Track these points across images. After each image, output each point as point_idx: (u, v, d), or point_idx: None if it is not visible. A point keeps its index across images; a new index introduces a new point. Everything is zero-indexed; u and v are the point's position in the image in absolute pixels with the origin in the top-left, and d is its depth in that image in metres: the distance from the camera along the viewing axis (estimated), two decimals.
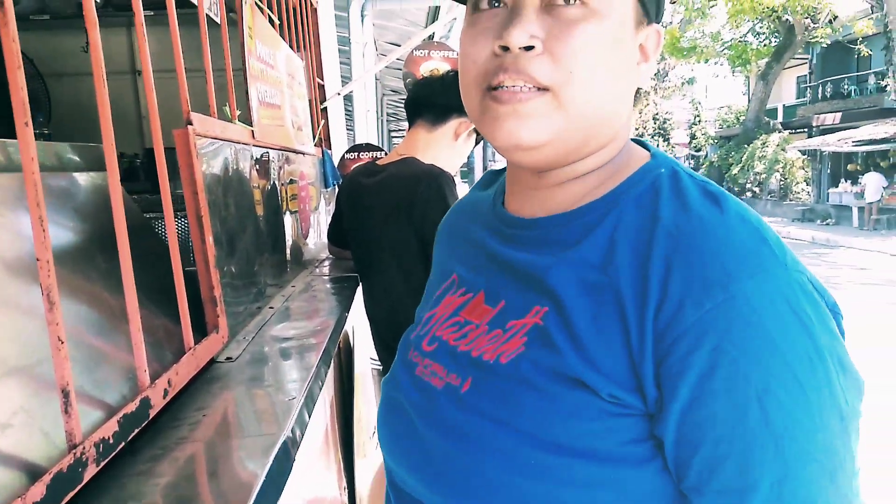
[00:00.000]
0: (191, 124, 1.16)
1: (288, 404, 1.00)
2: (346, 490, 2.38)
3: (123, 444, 0.80)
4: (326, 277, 2.28)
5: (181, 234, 1.73)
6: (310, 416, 1.05)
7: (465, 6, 0.67)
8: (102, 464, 0.74)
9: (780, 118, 23.22)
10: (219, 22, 1.61)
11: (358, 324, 2.68)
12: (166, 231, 1.05)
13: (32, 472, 0.66)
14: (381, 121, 10.50)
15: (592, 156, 0.67)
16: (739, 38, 21.58)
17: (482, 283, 0.73)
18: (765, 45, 21.17)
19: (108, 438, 0.76)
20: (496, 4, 0.63)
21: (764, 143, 19.92)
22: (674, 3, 20.02)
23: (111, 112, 0.88)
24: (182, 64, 1.17)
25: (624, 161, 0.69)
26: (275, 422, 0.95)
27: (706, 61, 22.26)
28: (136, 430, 0.84)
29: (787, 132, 20.34)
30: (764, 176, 19.97)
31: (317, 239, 2.63)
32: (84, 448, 0.70)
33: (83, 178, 1.29)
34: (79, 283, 1.04)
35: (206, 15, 1.44)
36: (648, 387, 0.57)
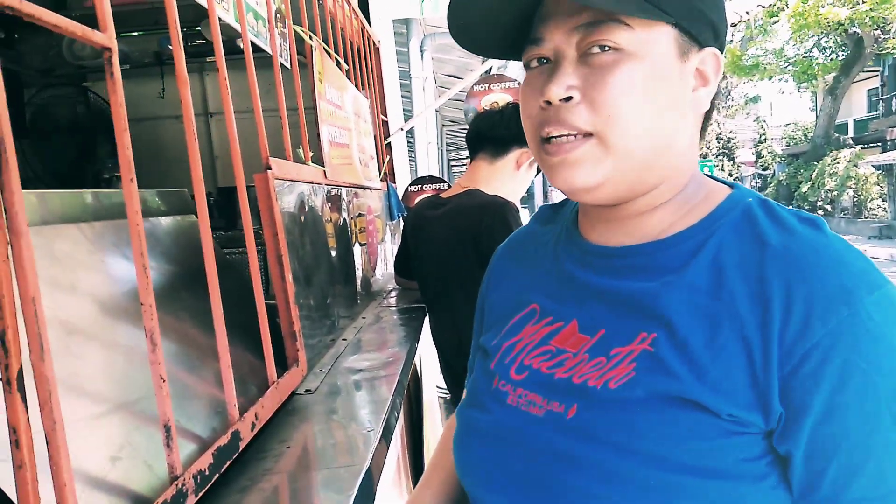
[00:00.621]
0: (270, 169, 1.22)
1: (367, 436, 1.04)
2: None
3: (217, 475, 0.85)
4: (394, 308, 2.32)
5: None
6: (388, 447, 1.08)
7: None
8: (200, 494, 0.79)
9: (850, 133, 22.45)
10: (289, 67, 1.69)
11: (424, 352, 2.71)
12: (250, 270, 1.10)
13: (140, 502, 0.71)
14: (441, 151, 10.62)
15: (660, 187, 0.70)
16: (804, 54, 21.05)
17: (574, 312, 0.74)
18: (831, 60, 20.58)
19: (205, 470, 0.81)
20: (544, 62, 0.68)
21: (834, 160, 19.26)
22: (734, 26, 19.72)
23: (185, 153, 0.93)
24: (260, 110, 1.24)
25: (699, 192, 0.71)
26: (356, 453, 0.98)
27: (770, 78, 21.77)
28: (228, 462, 0.88)
29: (858, 147, 19.64)
30: (836, 193, 19.28)
31: (384, 270, 2.69)
32: (184, 480, 0.75)
33: (169, 222, 1.37)
34: (169, 322, 1.10)
35: (279, 62, 1.52)
36: (773, 404, 0.59)
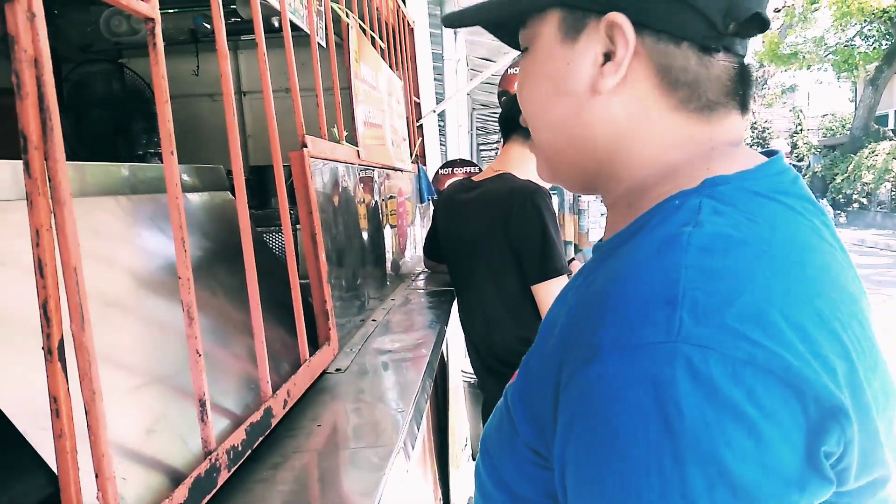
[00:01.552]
0: (305, 147, 1.22)
1: (398, 416, 1.03)
2: (442, 500, 2.40)
3: (249, 451, 0.85)
4: (423, 291, 2.32)
5: (283, 246, 1.81)
6: (418, 428, 1.08)
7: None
8: (233, 469, 0.79)
9: (891, 125, 21.91)
10: (324, 45, 1.68)
11: (450, 336, 2.71)
12: (285, 248, 1.10)
13: (174, 475, 0.71)
14: (472, 135, 10.58)
15: (616, 175, 0.61)
16: (845, 43, 20.54)
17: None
18: (874, 49, 20.06)
19: (238, 446, 0.81)
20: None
21: (873, 152, 18.82)
22: (777, 11, 19.27)
23: (219, 131, 0.93)
24: (297, 88, 1.24)
25: (669, 185, 0.57)
26: (386, 434, 0.98)
27: (808, 68, 21.28)
28: (261, 439, 0.89)
29: None
30: (872, 186, 18.86)
31: (413, 253, 2.68)
32: (217, 454, 0.75)
33: (204, 198, 1.38)
34: (203, 297, 1.11)
35: (316, 41, 1.51)
36: (549, 444, 0.54)
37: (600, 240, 0.68)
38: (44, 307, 0.52)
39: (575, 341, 0.50)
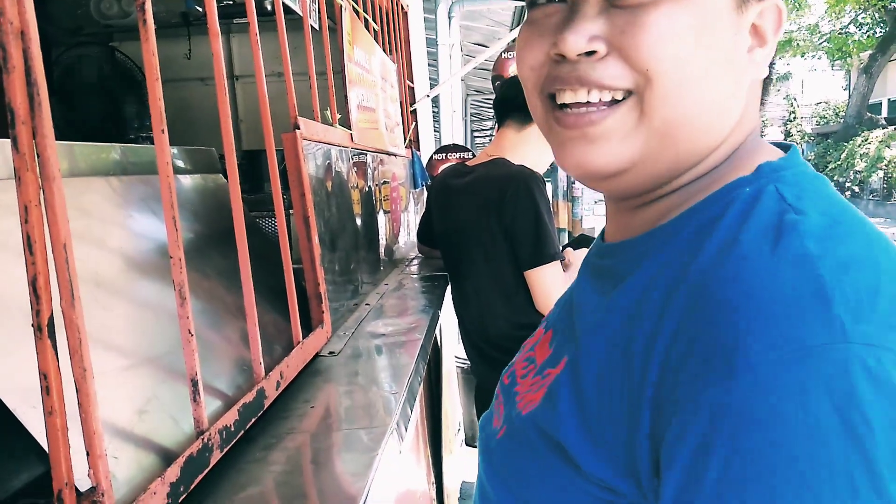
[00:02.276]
0: (298, 128, 1.21)
1: (391, 398, 1.03)
2: (434, 485, 2.41)
3: (242, 432, 0.85)
4: (416, 276, 2.32)
5: (276, 230, 1.81)
6: (411, 411, 1.08)
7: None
8: (226, 449, 0.79)
9: (884, 113, 21.96)
10: (318, 28, 1.67)
11: (444, 322, 2.71)
12: (278, 231, 1.09)
13: (166, 455, 0.71)
14: (466, 121, 10.55)
15: (694, 167, 0.53)
16: (840, 30, 20.53)
17: (555, 318, 0.66)
18: (868, 37, 20.06)
19: (230, 426, 0.81)
20: (548, 1, 0.52)
21: (866, 140, 18.87)
22: None
23: (210, 116, 0.93)
24: (290, 71, 1.23)
25: (724, 173, 0.53)
26: (379, 416, 0.98)
27: (802, 55, 21.28)
28: (253, 420, 0.88)
29: (892, 128, 19.21)
30: (865, 174, 18.92)
31: (406, 238, 2.68)
32: (210, 434, 0.75)
33: (196, 180, 1.37)
34: (195, 279, 1.10)
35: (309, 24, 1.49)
36: (645, 472, 0.45)
37: (601, 236, 0.62)
38: (33, 284, 0.51)
39: (683, 357, 0.42)
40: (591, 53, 0.48)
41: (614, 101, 0.49)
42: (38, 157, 0.52)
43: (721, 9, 0.49)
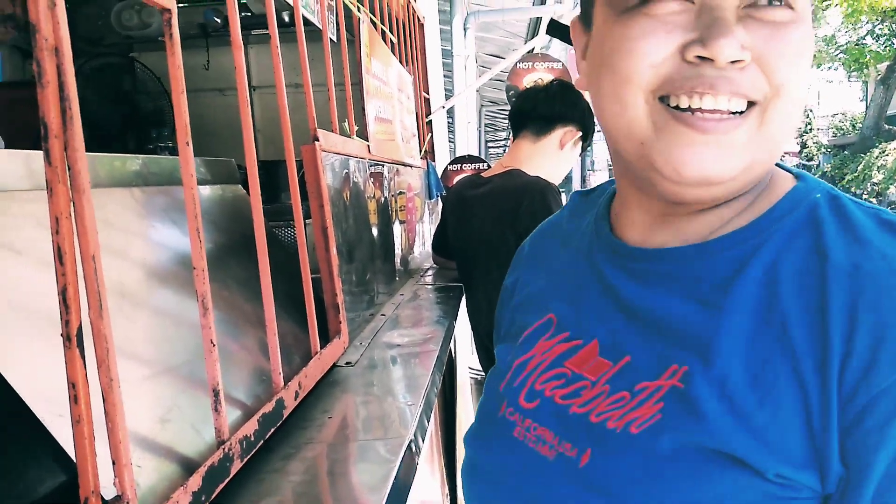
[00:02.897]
0: (317, 140, 1.22)
1: (409, 410, 1.04)
2: (449, 497, 2.41)
3: (262, 441, 0.85)
4: (431, 287, 2.32)
5: (293, 240, 1.82)
6: (428, 422, 1.08)
7: (569, 20, 0.61)
8: (246, 459, 0.79)
9: None
10: (336, 40, 1.68)
11: (457, 332, 2.71)
12: (297, 242, 1.10)
13: (187, 464, 0.72)
14: (480, 131, 10.58)
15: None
16: (856, 41, 20.42)
17: (596, 329, 0.61)
18: (886, 48, 19.94)
19: (250, 436, 0.81)
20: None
21: (883, 152, 18.71)
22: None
23: (228, 126, 0.93)
24: (309, 82, 1.24)
25: (767, 182, 0.57)
26: (397, 427, 0.98)
27: (818, 66, 21.17)
28: (273, 430, 0.89)
29: None
30: (882, 186, 18.76)
31: (421, 248, 2.69)
32: (230, 444, 0.76)
33: (215, 191, 1.38)
34: (215, 290, 1.11)
35: (328, 36, 1.51)
36: (832, 462, 0.47)
37: (619, 242, 0.62)
38: (63, 294, 0.52)
39: (874, 345, 0.46)
40: (735, 62, 0.49)
41: (739, 113, 0.51)
42: (69, 169, 0.53)
43: (810, 22, 0.52)
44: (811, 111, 31.34)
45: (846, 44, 20.89)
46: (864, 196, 19.52)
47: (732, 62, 0.49)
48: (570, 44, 0.66)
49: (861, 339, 0.46)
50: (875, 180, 18.89)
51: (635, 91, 0.52)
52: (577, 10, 0.63)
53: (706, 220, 0.57)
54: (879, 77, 19.64)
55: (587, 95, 0.63)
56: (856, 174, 19.49)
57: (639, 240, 0.61)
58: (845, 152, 21.83)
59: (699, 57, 0.49)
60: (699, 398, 0.51)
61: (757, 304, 0.51)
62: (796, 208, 0.54)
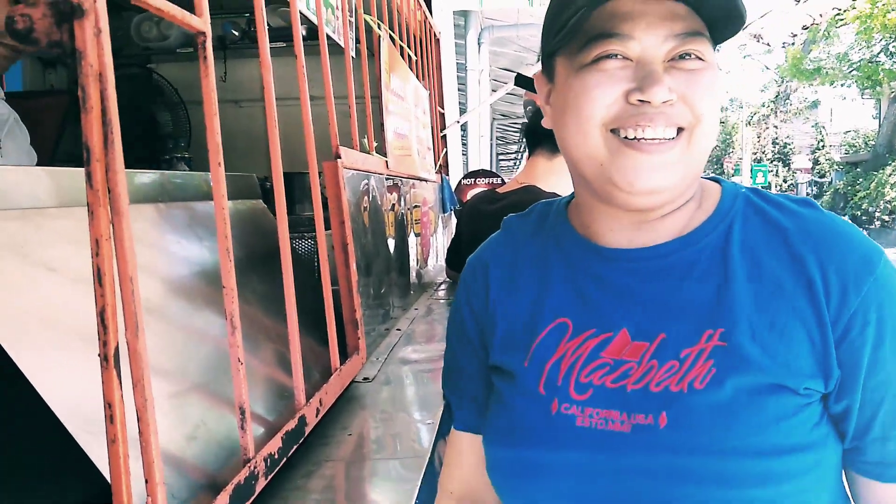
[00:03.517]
0: (339, 157, 1.23)
1: (426, 428, 1.04)
2: None
3: (285, 459, 0.86)
4: (444, 301, 2.33)
5: (308, 252, 1.83)
6: (445, 440, 1.08)
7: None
8: (270, 477, 0.80)
9: None
10: (355, 56, 1.70)
11: None
12: (317, 258, 1.11)
13: (214, 481, 0.72)
14: (492, 145, 10.61)
15: (691, 186, 0.71)
16: (870, 59, 20.37)
17: (618, 320, 0.71)
18: None
19: (274, 453, 0.82)
20: (615, 56, 0.67)
21: None
22: (805, 29, 19.18)
23: (244, 138, 0.94)
24: (332, 99, 1.25)
25: (701, 188, 0.74)
26: (416, 445, 0.98)
27: (832, 83, 21.12)
28: (295, 447, 0.89)
29: None
30: (895, 204, 18.64)
31: (435, 262, 2.69)
32: (256, 462, 0.76)
33: (237, 205, 1.39)
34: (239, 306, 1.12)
35: (348, 53, 1.52)
36: (832, 369, 0.65)
37: (602, 248, 0.74)
38: (101, 315, 0.53)
39: (835, 267, 0.65)
40: (665, 101, 0.65)
41: (671, 139, 0.66)
42: (109, 192, 0.54)
43: (716, 69, 0.69)
44: (823, 128, 31.24)
45: (859, 61, 20.85)
46: (877, 213, 19.42)
47: (664, 102, 0.65)
48: (535, 92, 0.81)
49: (833, 278, 0.65)
50: (888, 198, 18.77)
51: (594, 126, 0.67)
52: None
53: (671, 221, 0.71)
54: (893, 95, 19.57)
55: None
56: (868, 191, 19.38)
57: (624, 243, 0.73)
58: (858, 169, 21.72)
59: (640, 100, 0.65)
60: (741, 349, 0.65)
61: (748, 273, 0.68)
62: (736, 200, 0.72)
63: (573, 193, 0.80)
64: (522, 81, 0.96)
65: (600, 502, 0.68)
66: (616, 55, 0.67)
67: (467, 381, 0.83)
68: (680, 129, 0.66)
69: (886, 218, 19.38)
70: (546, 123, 0.77)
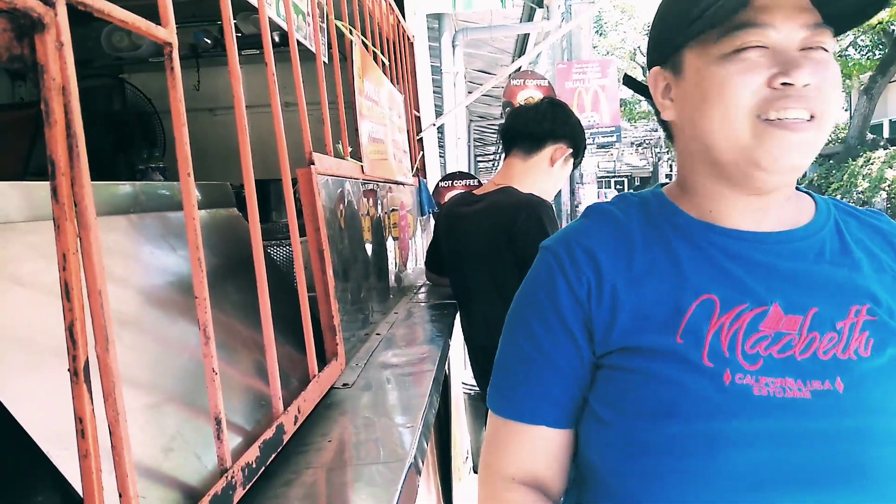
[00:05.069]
0: (313, 164, 1.23)
1: (408, 431, 1.04)
2: None
3: (263, 468, 0.85)
4: (425, 304, 2.33)
5: (286, 260, 1.82)
6: (427, 444, 1.08)
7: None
8: (248, 487, 0.80)
9: (886, 134, 22.02)
10: (327, 62, 1.69)
11: (451, 348, 2.71)
12: (293, 265, 1.11)
13: (191, 493, 0.72)
14: (470, 147, 10.63)
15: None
16: (840, 53, 20.66)
17: (768, 296, 0.75)
18: (868, 59, 20.20)
19: (252, 463, 0.81)
20: (757, 45, 0.73)
21: (868, 161, 18.90)
22: None
23: (219, 146, 0.94)
24: (304, 105, 1.25)
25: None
26: (397, 450, 0.98)
27: None
28: (274, 455, 0.89)
29: (893, 148, 19.24)
30: (868, 195, 18.93)
31: (414, 266, 2.69)
32: (233, 472, 0.76)
33: (211, 214, 1.39)
34: (213, 315, 1.11)
35: (320, 58, 1.52)
36: None
37: (737, 232, 0.80)
38: (70, 329, 0.52)
39: None
40: (806, 85, 0.71)
41: (807, 120, 0.72)
42: (75, 205, 0.53)
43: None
44: None
45: None
46: (851, 203, 19.62)
47: (804, 85, 0.71)
48: (643, 95, 0.89)
49: None
50: (860, 189, 19.06)
51: (741, 111, 0.73)
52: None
53: (785, 211, 0.80)
54: (862, 87, 19.89)
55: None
56: (842, 183, 19.66)
57: (753, 227, 0.79)
58: (831, 161, 22.03)
59: (783, 83, 0.71)
60: (889, 323, 0.73)
61: (868, 260, 0.78)
62: (826, 203, 0.83)
63: (661, 183, 0.88)
64: (631, 83, 0.99)
65: (793, 470, 0.68)
66: (758, 44, 0.72)
67: (554, 373, 0.81)
68: (811, 117, 0.72)
69: (860, 208, 19.63)
70: (668, 116, 0.83)
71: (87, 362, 0.53)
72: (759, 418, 0.69)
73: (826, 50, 0.73)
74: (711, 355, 0.72)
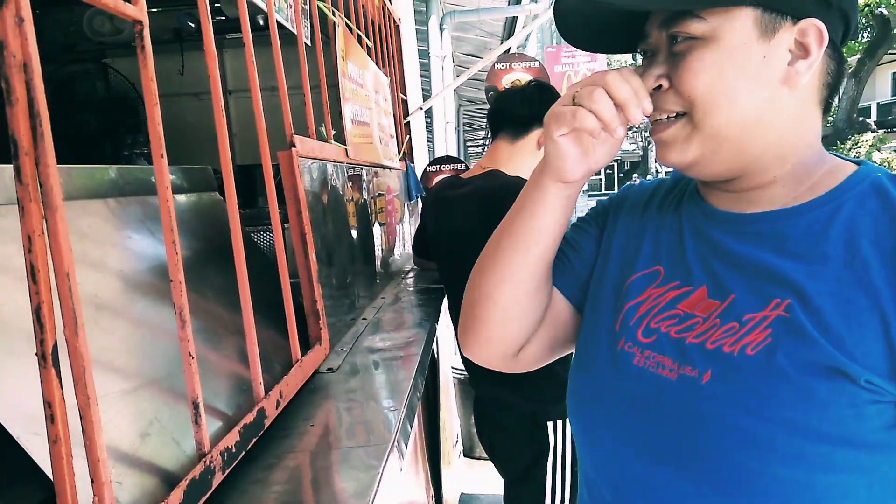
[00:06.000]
0: (294, 146, 1.22)
1: (391, 415, 1.04)
2: (434, 498, 2.41)
3: (243, 452, 0.85)
4: (412, 289, 2.32)
5: (270, 244, 1.81)
6: (411, 427, 1.08)
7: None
8: (227, 471, 0.79)
9: (874, 117, 22.11)
10: (310, 44, 1.67)
11: (440, 332, 2.71)
12: (275, 248, 1.10)
13: (168, 478, 0.71)
14: (459, 131, 10.58)
15: (767, 163, 0.72)
16: None
17: (701, 277, 0.75)
18: (856, 41, 20.20)
19: (232, 447, 0.81)
20: (649, 54, 0.75)
21: (856, 143, 18.98)
22: None
23: (204, 130, 0.93)
24: (285, 87, 1.23)
25: (821, 166, 0.73)
26: (379, 432, 0.98)
27: None
28: (254, 440, 0.89)
29: (881, 131, 19.33)
30: None
31: (402, 250, 2.68)
32: (212, 457, 0.75)
33: (192, 198, 1.37)
34: (193, 299, 1.10)
35: (303, 40, 1.50)
36: None
37: (712, 209, 0.79)
38: (37, 313, 0.52)
39: None
40: (658, 88, 0.72)
41: (678, 116, 0.71)
42: (40, 186, 0.52)
43: (745, 42, 0.68)
44: None
45: None
46: None
47: (655, 89, 0.73)
48: None
49: None
50: None
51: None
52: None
53: (770, 194, 0.74)
54: (851, 70, 19.92)
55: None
56: None
57: (739, 208, 0.76)
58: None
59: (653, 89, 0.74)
60: (804, 324, 0.65)
61: (841, 253, 0.66)
62: (861, 182, 0.70)
63: None
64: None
65: (646, 437, 0.74)
66: (644, 53, 0.77)
67: (573, 253, 0.91)
68: (681, 113, 0.73)
69: None
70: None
71: (55, 346, 0.52)
72: (633, 384, 0.76)
73: (688, 37, 0.69)
74: (622, 323, 0.80)
